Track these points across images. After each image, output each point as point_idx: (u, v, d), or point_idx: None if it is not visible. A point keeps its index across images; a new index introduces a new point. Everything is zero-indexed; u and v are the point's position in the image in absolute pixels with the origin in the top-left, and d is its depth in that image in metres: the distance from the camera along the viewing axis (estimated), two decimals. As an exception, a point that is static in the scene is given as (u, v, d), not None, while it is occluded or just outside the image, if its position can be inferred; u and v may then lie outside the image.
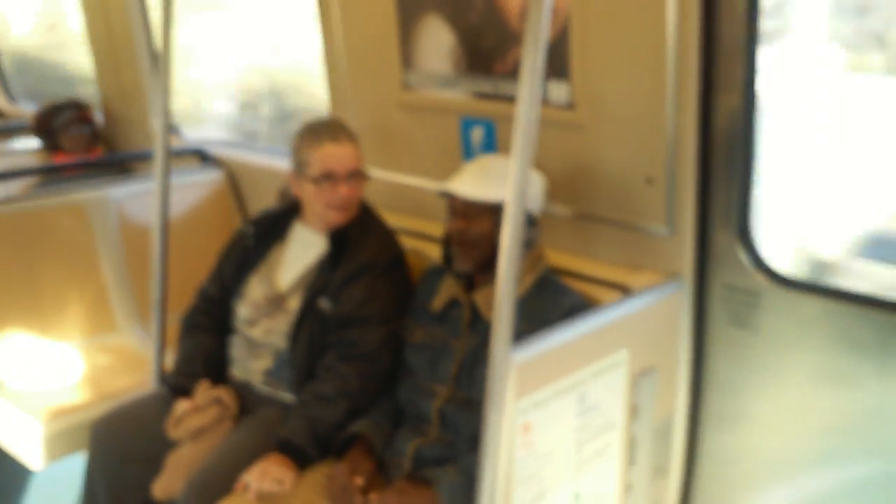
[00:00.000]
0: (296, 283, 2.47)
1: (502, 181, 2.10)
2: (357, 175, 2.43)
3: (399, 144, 2.89)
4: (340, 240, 2.44)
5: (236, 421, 2.40)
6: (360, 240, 2.44)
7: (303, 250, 2.50)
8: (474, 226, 2.16)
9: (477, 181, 2.16)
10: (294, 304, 2.43)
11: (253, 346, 2.46)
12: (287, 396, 2.40)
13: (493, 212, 2.12)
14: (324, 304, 2.37)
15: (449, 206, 2.22)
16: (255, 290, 2.50)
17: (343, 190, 2.39)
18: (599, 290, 2.26)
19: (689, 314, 2.25)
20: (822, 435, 2.15)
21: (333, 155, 2.39)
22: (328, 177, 2.39)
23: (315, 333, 2.37)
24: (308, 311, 2.38)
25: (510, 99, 2.48)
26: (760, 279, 2.15)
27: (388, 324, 2.35)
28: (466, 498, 1.98)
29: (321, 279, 2.41)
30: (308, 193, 2.44)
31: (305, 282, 2.45)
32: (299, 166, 2.44)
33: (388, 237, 2.52)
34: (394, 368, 2.35)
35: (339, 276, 2.39)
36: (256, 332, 2.45)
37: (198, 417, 2.36)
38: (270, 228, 2.58)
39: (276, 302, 2.46)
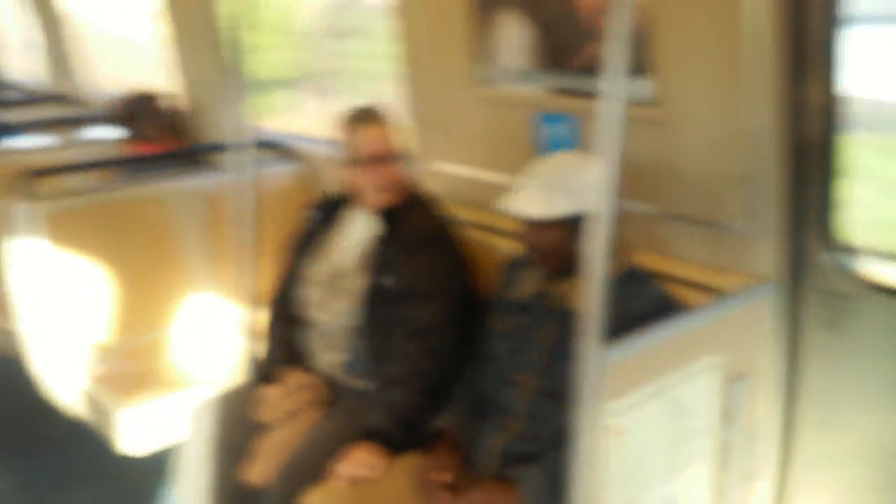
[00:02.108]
0: (353, 262, 2.54)
1: (568, 189, 2.10)
2: (391, 156, 2.50)
3: (472, 138, 2.91)
4: (392, 218, 2.52)
5: (326, 407, 2.47)
6: (406, 219, 2.51)
7: (356, 230, 2.59)
8: (544, 236, 2.15)
9: (540, 195, 2.13)
10: (356, 283, 2.50)
11: (326, 339, 2.53)
12: (370, 385, 2.46)
13: (563, 222, 2.12)
14: (387, 280, 2.44)
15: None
16: (316, 273, 2.58)
17: (380, 171, 2.48)
18: (684, 290, 2.25)
19: (780, 318, 2.22)
20: None
21: (363, 138, 2.49)
22: (361, 159, 2.48)
23: (384, 311, 2.44)
24: (374, 289, 2.46)
25: (586, 94, 2.48)
26: (854, 283, 2.12)
27: (444, 298, 2.41)
28: (551, 497, 2.01)
29: (380, 256, 2.49)
30: (352, 177, 2.54)
31: (363, 261, 2.52)
32: (342, 152, 2.54)
33: (434, 217, 2.57)
34: (462, 344, 2.38)
35: (397, 252, 2.46)
36: (327, 316, 2.52)
37: (290, 401, 2.44)
38: (330, 212, 2.67)
39: (338, 282, 2.53)
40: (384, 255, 2.48)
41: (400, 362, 2.35)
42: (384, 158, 2.48)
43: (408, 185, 2.57)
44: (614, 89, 1.64)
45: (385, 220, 2.51)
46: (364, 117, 2.52)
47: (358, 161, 2.49)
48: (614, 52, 1.63)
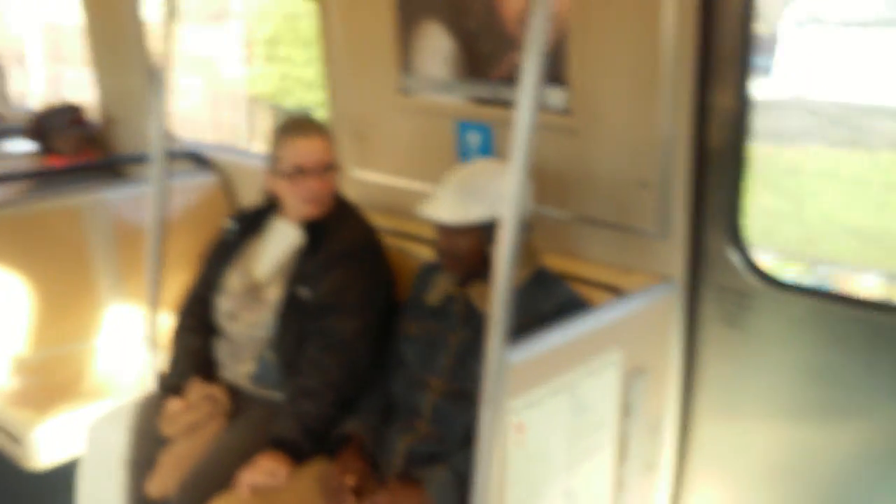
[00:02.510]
0: (272, 273, 2.50)
1: (482, 196, 2.13)
2: (328, 168, 2.48)
3: (395, 146, 2.92)
4: (316, 230, 2.49)
5: (229, 418, 2.41)
6: (336, 230, 2.49)
7: (278, 241, 2.55)
8: (459, 242, 2.18)
9: (455, 202, 2.17)
10: (272, 294, 2.46)
11: (236, 349, 2.48)
12: (276, 396, 2.41)
13: (477, 228, 2.14)
14: (303, 292, 2.41)
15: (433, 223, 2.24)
16: (233, 282, 2.53)
17: (314, 184, 2.44)
18: (593, 291, 2.28)
19: (680, 315, 2.28)
20: (811, 431, 2.17)
21: (303, 149, 2.44)
22: (299, 171, 2.44)
23: (298, 322, 2.40)
24: (289, 300, 2.41)
25: (507, 104, 2.51)
26: (751, 280, 2.18)
27: (365, 312, 2.39)
28: (457, 495, 2.00)
29: (299, 268, 2.45)
30: (282, 188, 2.49)
31: (283, 272, 2.48)
32: (273, 162, 2.49)
33: (364, 228, 2.56)
34: (376, 357, 2.37)
35: (317, 264, 2.43)
36: (238, 327, 2.47)
37: (190, 414, 2.37)
38: (250, 223, 2.63)
39: (253, 293, 2.49)
40: (304, 266, 2.45)
41: (314, 374, 2.32)
42: (323, 170, 2.45)
43: (336, 196, 2.55)
44: (526, 98, 1.66)
45: (309, 232, 2.48)
46: (303, 128, 2.48)
47: (297, 172, 2.43)
48: (529, 62, 1.65)
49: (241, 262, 2.56)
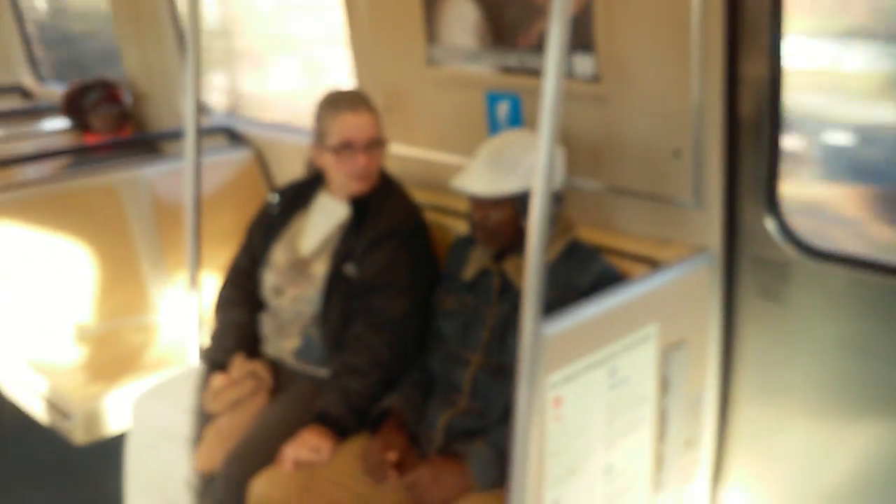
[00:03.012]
0: (318, 248, 2.51)
1: (515, 167, 2.12)
2: (375, 144, 2.46)
3: (424, 119, 2.90)
4: (362, 206, 2.48)
5: (272, 394, 2.46)
6: (382, 207, 2.48)
7: (325, 217, 2.54)
8: (493, 214, 2.17)
9: (489, 173, 2.16)
10: (318, 270, 2.47)
11: (280, 324, 2.51)
12: (319, 372, 2.45)
13: (512, 200, 2.14)
14: (349, 269, 2.42)
15: (467, 195, 2.23)
16: (279, 257, 2.55)
17: (362, 159, 2.43)
18: (627, 263, 2.27)
19: (717, 287, 2.26)
20: (853, 407, 2.15)
21: (351, 124, 2.42)
22: (347, 146, 2.42)
23: (343, 299, 2.41)
24: (335, 277, 2.42)
25: (535, 73, 2.47)
26: (789, 251, 2.15)
27: (412, 291, 2.40)
28: (497, 470, 2.02)
29: (345, 245, 2.45)
30: (329, 163, 2.48)
31: (329, 247, 2.49)
32: (319, 136, 2.47)
33: (409, 206, 2.55)
34: (422, 336, 2.39)
35: (363, 242, 2.43)
36: (284, 302, 2.50)
37: (234, 390, 2.41)
38: (295, 198, 2.62)
39: (299, 267, 2.50)
40: (350, 243, 2.45)
41: (361, 352, 2.33)
42: (370, 145, 2.44)
43: (381, 172, 2.54)
44: (553, 65, 1.64)
45: (355, 209, 2.48)
46: (352, 102, 2.46)
47: (345, 147, 2.42)
48: (554, 28, 1.63)
49: (287, 236, 2.57)
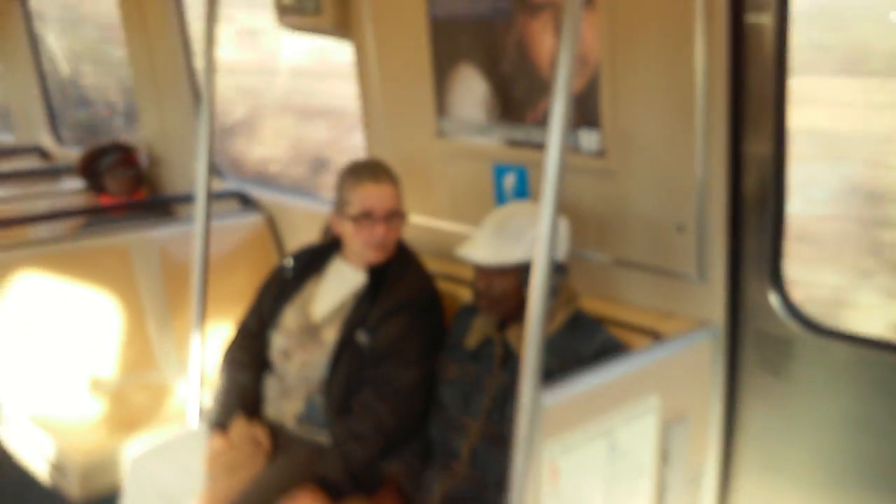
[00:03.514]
0: (330, 314, 2.51)
1: (521, 238, 2.15)
2: (395, 215, 2.49)
3: (433, 189, 2.95)
4: (379, 275, 2.49)
5: (270, 458, 2.44)
6: (399, 277, 2.49)
7: (339, 283, 2.55)
8: (497, 284, 2.19)
9: (494, 243, 2.19)
10: (329, 336, 2.47)
11: (285, 388, 2.50)
12: (320, 438, 2.43)
13: (516, 270, 2.16)
14: (362, 337, 2.41)
15: (472, 264, 2.25)
16: (289, 320, 2.55)
17: (381, 229, 2.44)
18: (631, 335, 2.27)
19: (720, 361, 2.25)
20: (853, 484, 2.12)
21: (373, 195, 2.45)
22: (367, 216, 2.44)
23: (352, 367, 2.40)
24: (346, 344, 2.42)
25: (541, 146, 2.51)
26: (792, 326, 2.15)
27: (423, 363, 2.39)
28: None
29: (359, 312, 2.46)
30: (348, 231, 2.49)
31: (341, 314, 2.49)
32: (340, 204, 2.50)
33: (425, 278, 2.56)
34: (427, 407, 2.38)
35: (378, 311, 2.43)
36: (291, 366, 2.49)
37: (232, 454, 2.40)
38: (310, 262, 2.64)
39: (310, 333, 2.50)
40: (364, 311, 2.45)
41: (366, 419, 2.32)
42: (390, 216, 2.47)
43: (399, 242, 2.56)
44: (555, 139, 1.68)
45: (371, 277, 2.50)
46: (374, 173, 2.49)
47: (365, 216, 2.44)
48: (557, 104, 1.67)
49: (299, 300, 2.58)
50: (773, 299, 2.17)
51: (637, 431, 2.03)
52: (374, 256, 2.48)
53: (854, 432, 2.09)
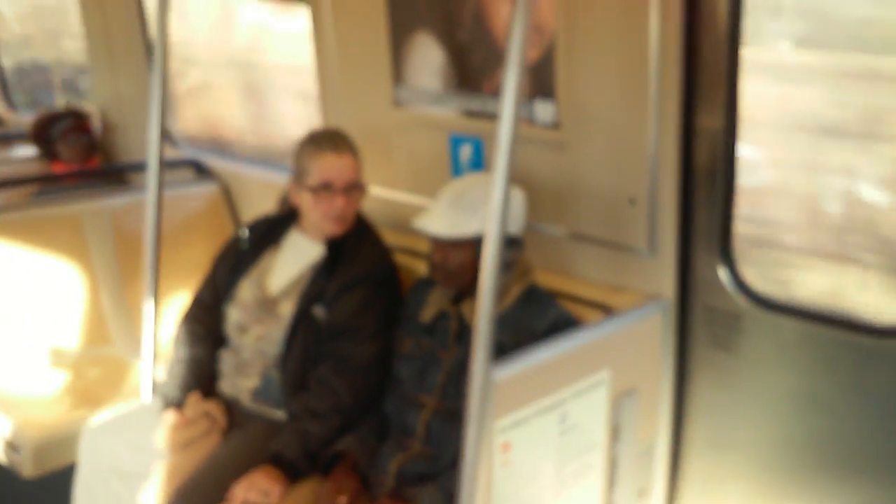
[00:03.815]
0: (287, 287, 2.49)
1: (476, 210, 2.13)
2: (355, 187, 2.45)
3: (390, 160, 2.92)
4: (336, 249, 2.46)
5: (225, 434, 2.43)
6: (357, 250, 2.46)
7: (296, 256, 2.52)
8: (453, 257, 2.18)
9: (450, 215, 2.17)
10: (285, 310, 2.45)
11: (241, 363, 2.48)
12: (276, 414, 2.42)
13: (472, 242, 2.14)
14: (318, 311, 2.39)
15: (428, 236, 2.24)
16: (245, 294, 2.52)
17: (340, 201, 2.41)
18: (582, 309, 2.28)
19: (670, 335, 2.27)
20: (801, 458, 2.16)
21: (333, 165, 2.41)
22: (326, 187, 2.41)
23: (308, 341, 2.38)
24: (302, 318, 2.40)
25: (497, 117, 2.50)
26: (741, 301, 2.17)
27: (380, 337, 2.38)
28: (448, 515, 2.01)
29: (316, 286, 2.43)
30: (306, 202, 2.46)
31: (298, 288, 2.47)
32: (299, 174, 2.46)
33: (383, 251, 2.54)
34: (383, 383, 2.37)
35: (335, 285, 2.40)
36: (248, 340, 2.47)
37: (187, 430, 2.38)
38: (266, 234, 2.60)
39: (266, 306, 2.48)
40: (321, 285, 2.43)
41: (323, 396, 2.31)
42: (351, 188, 2.43)
43: (358, 215, 2.53)
44: (507, 110, 1.66)
45: (329, 250, 2.46)
46: (335, 143, 2.45)
47: (324, 187, 2.40)
48: (509, 73, 1.65)
49: (255, 273, 2.55)
50: (723, 274, 2.19)
51: (588, 405, 2.04)
52: (333, 229, 2.45)
53: (802, 407, 2.13)
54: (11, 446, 2.77)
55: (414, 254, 2.67)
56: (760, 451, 2.23)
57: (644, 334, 2.23)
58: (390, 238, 2.64)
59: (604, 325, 2.13)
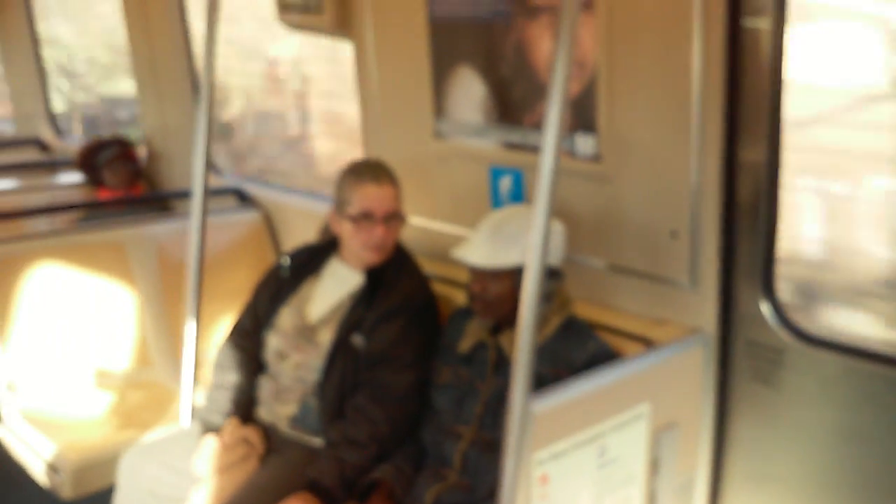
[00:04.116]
0: (326, 315, 2.51)
1: (516, 241, 2.14)
2: (395, 217, 2.48)
3: (430, 190, 2.94)
4: (375, 278, 2.48)
5: (262, 460, 2.44)
6: (396, 280, 2.48)
7: (336, 284, 2.54)
8: (491, 287, 2.19)
9: (489, 245, 2.18)
10: (324, 337, 2.47)
11: (280, 390, 2.50)
12: (313, 441, 2.43)
13: (511, 273, 2.15)
14: (357, 340, 2.41)
15: (467, 266, 2.25)
16: (285, 321, 2.54)
17: (380, 231, 2.44)
18: (622, 341, 2.26)
19: (711, 369, 2.25)
20: (842, 494, 2.12)
21: (373, 195, 2.44)
22: (366, 216, 2.43)
23: (347, 370, 2.40)
24: (340, 347, 2.42)
25: (537, 150, 2.51)
26: (784, 336, 2.15)
27: (418, 367, 2.38)
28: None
29: (355, 315, 2.45)
30: (346, 231, 2.49)
31: (337, 316, 2.49)
32: (340, 204, 2.49)
33: (422, 281, 2.55)
34: (420, 412, 2.37)
35: (374, 314, 2.42)
36: (286, 367, 2.49)
37: (225, 455, 2.40)
38: (306, 262, 2.63)
39: (305, 334, 2.50)
40: (360, 314, 2.45)
41: (361, 425, 2.32)
42: (391, 218, 2.46)
43: (397, 245, 2.55)
44: (550, 142, 1.67)
45: (368, 279, 2.49)
46: (376, 173, 2.48)
47: (364, 217, 2.43)
48: (552, 108, 1.66)
49: (295, 301, 2.57)
50: (765, 308, 2.17)
51: (627, 439, 2.02)
52: (372, 258, 2.48)
53: (844, 443, 2.09)
54: (52, 468, 2.81)
55: (452, 283, 2.68)
56: (801, 486, 2.19)
57: (685, 368, 2.20)
58: (429, 267, 2.65)
59: (644, 359, 2.12)
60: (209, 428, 2.48)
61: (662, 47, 2.15)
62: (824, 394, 2.10)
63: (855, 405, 2.06)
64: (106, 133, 4.61)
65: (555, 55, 1.65)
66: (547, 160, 1.67)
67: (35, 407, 3.06)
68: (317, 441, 2.42)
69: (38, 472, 2.88)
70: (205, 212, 2.72)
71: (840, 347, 2.08)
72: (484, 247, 2.19)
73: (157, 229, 3.46)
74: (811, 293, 3.07)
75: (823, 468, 2.14)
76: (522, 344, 1.71)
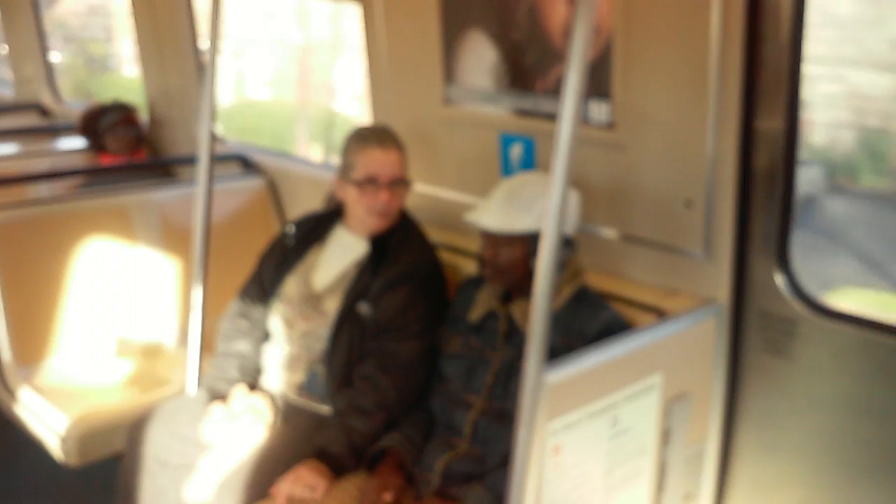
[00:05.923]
0: (332, 284, 2.49)
1: (531, 207, 2.12)
2: (400, 183, 2.45)
3: (438, 158, 2.91)
4: (381, 245, 2.46)
5: (270, 428, 2.43)
6: (401, 247, 2.46)
7: (341, 252, 2.53)
8: (504, 253, 2.17)
9: (504, 210, 2.16)
10: (330, 306, 2.45)
11: (288, 358, 2.49)
12: (321, 408, 2.42)
13: (524, 239, 2.13)
14: (363, 308, 2.40)
15: (480, 230, 2.23)
16: (291, 290, 2.53)
17: (385, 196, 2.42)
18: (634, 312, 2.25)
19: (724, 340, 2.24)
20: (853, 465, 2.12)
21: (378, 160, 2.42)
22: (371, 181, 2.41)
23: (354, 338, 2.39)
24: (347, 315, 2.40)
25: (549, 116, 2.48)
26: (797, 307, 2.13)
27: (425, 335, 2.38)
28: (493, 516, 2.00)
29: (360, 283, 2.43)
30: (351, 197, 2.47)
31: (343, 284, 2.47)
32: (344, 169, 2.47)
33: (427, 248, 2.54)
34: (429, 380, 2.37)
35: (380, 282, 2.41)
36: (293, 335, 2.48)
37: (232, 422, 2.39)
38: (312, 230, 2.61)
39: (311, 302, 2.48)
40: (366, 282, 2.43)
41: (368, 393, 2.31)
42: (395, 183, 2.44)
43: (402, 211, 2.53)
44: (568, 110, 1.64)
45: (374, 247, 2.47)
46: (381, 138, 2.46)
47: (369, 182, 2.41)
48: (571, 73, 1.63)
49: (301, 269, 2.56)
50: (779, 279, 2.15)
51: (640, 409, 2.02)
52: (377, 223, 2.45)
53: (855, 415, 2.08)
54: (58, 435, 2.80)
55: (459, 251, 2.66)
56: (811, 457, 2.19)
57: (697, 338, 2.19)
58: (436, 235, 2.63)
59: (657, 329, 2.11)
60: (216, 395, 2.47)
61: (680, 13, 2.11)
62: (837, 365, 2.10)
63: (867, 377, 2.05)
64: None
65: (575, 20, 1.61)
66: (565, 127, 1.64)
67: (39, 374, 3.05)
68: (325, 408, 2.42)
69: (45, 440, 2.88)
70: (210, 178, 2.68)
71: (853, 319, 2.07)
72: (498, 211, 2.17)
73: (161, 195, 3.43)
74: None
75: (834, 440, 2.14)
76: (538, 314, 1.70)
